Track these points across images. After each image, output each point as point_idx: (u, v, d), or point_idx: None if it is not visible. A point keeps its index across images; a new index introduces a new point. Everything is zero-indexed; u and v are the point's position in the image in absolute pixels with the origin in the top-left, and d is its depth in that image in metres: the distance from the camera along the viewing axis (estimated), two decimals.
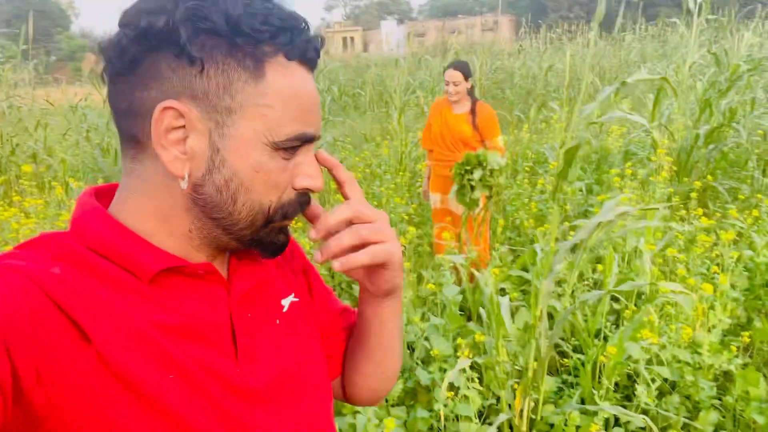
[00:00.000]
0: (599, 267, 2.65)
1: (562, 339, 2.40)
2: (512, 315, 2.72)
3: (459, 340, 2.10)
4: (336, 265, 0.63)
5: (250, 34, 0.55)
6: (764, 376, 2.39)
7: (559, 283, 2.47)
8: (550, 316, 2.53)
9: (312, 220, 0.67)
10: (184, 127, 0.56)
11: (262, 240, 0.62)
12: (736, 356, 2.34)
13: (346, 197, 0.68)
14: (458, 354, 2.08)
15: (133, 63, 0.55)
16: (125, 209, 0.60)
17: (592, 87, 7.04)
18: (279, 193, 0.60)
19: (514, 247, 3.73)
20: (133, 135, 0.58)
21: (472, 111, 3.47)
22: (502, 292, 2.86)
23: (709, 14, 5.14)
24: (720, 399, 2.27)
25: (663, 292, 2.04)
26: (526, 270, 2.88)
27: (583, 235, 1.80)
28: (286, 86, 0.57)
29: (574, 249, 1.92)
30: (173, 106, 0.55)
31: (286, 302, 0.71)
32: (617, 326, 2.61)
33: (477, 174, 2.44)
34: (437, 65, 10.16)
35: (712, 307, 2.39)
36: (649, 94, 4.76)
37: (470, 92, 3.52)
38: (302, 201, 0.63)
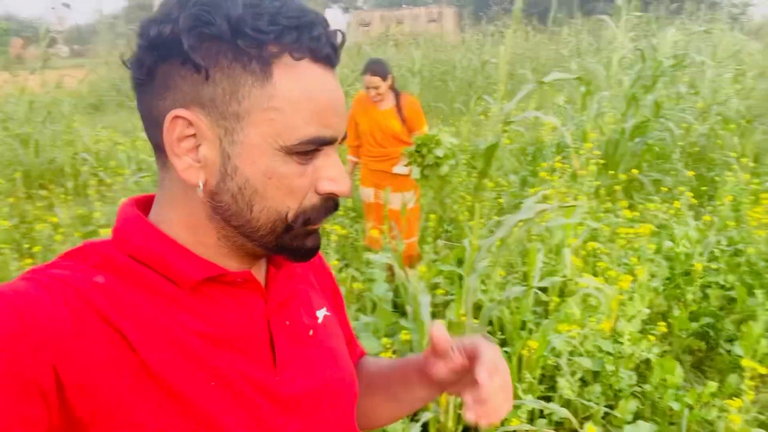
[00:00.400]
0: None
1: (491, 333, 2.42)
2: (444, 310, 2.72)
3: (384, 340, 2.07)
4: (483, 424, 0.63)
5: (253, 36, 0.53)
6: (681, 363, 2.49)
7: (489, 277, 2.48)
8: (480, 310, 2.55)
9: (439, 353, 0.67)
10: (195, 136, 0.56)
11: (287, 245, 0.61)
12: (655, 345, 2.42)
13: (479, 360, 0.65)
14: (383, 353, 2.05)
15: (149, 73, 0.56)
16: (161, 219, 0.61)
17: (525, 80, 7.17)
18: (299, 199, 0.58)
19: (450, 242, 3.75)
20: (157, 144, 0.59)
21: (398, 105, 3.46)
22: (435, 286, 2.86)
23: (636, 11, 5.31)
24: (640, 387, 2.34)
25: (582, 286, 2.07)
26: (461, 264, 2.89)
27: (503, 232, 1.80)
28: (296, 88, 0.55)
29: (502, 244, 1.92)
30: (182, 115, 0.55)
31: (320, 314, 0.72)
32: (546, 319, 2.66)
33: (440, 151, 2.46)
34: (378, 56, 10.11)
35: (631, 298, 2.46)
36: (581, 87, 4.88)
37: (393, 86, 3.49)
38: (328, 206, 0.61)
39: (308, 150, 0.56)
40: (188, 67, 0.54)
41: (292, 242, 0.60)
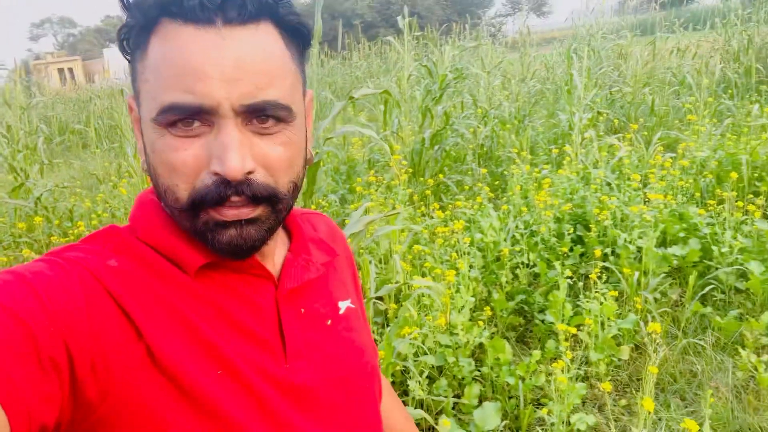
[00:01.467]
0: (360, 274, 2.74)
1: None
2: None
3: None
4: None
5: (134, 10, 0.53)
6: (507, 340, 2.75)
7: None
8: None
9: None
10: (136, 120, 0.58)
11: (202, 236, 0.56)
12: (484, 329, 2.63)
13: None
14: None
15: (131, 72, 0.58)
16: None
17: (329, 103, 7.43)
18: (187, 178, 0.53)
19: None
20: None
21: None
22: None
23: (417, 31, 5.82)
24: (479, 371, 2.52)
25: (415, 288, 2.17)
26: None
27: None
28: (159, 54, 0.52)
29: None
30: (128, 100, 0.59)
31: (343, 305, 0.70)
32: (387, 326, 2.74)
33: None
34: None
35: (458, 291, 2.65)
36: (380, 105, 5.19)
37: None
38: (219, 189, 0.53)
39: (175, 120, 0.51)
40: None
41: (204, 232, 0.56)
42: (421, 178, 4.69)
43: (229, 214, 0.55)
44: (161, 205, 0.60)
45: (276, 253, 0.67)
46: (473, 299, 2.65)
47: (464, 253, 2.93)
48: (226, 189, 0.53)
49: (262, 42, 0.54)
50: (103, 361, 0.51)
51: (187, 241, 0.58)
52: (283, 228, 0.71)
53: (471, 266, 3.07)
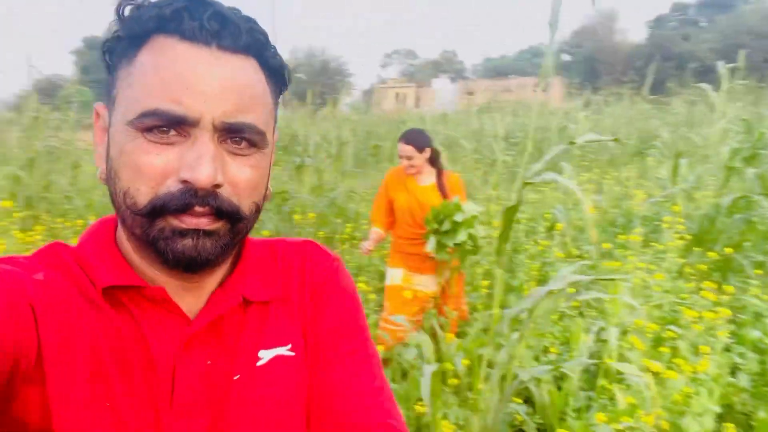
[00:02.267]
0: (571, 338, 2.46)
1: (529, 414, 2.21)
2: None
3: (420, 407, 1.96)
4: None
5: (129, 24, 0.56)
6: None
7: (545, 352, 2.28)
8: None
9: None
10: (105, 128, 0.59)
11: (156, 245, 0.55)
12: None
13: None
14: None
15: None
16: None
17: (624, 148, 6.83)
18: (151, 183, 0.54)
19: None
20: None
21: (439, 181, 3.06)
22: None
23: (741, 79, 4.95)
24: None
25: (619, 372, 1.84)
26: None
27: (530, 302, 1.67)
28: (149, 62, 0.54)
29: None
30: (96, 108, 0.60)
31: (267, 354, 0.63)
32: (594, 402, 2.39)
33: (459, 216, 2.34)
34: (481, 121, 10.17)
35: (698, 392, 2.15)
36: (675, 158, 4.55)
37: (433, 161, 3.10)
38: (183, 197, 0.54)
39: (153, 126, 0.53)
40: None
41: (159, 240, 0.55)
42: (703, 249, 3.95)
43: (190, 222, 0.55)
44: (113, 224, 0.62)
45: (208, 286, 0.63)
46: (717, 408, 2.12)
47: (723, 350, 2.36)
48: (192, 198, 0.54)
49: (248, 71, 0.57)
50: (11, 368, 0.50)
51: (105, 262, 0.58)
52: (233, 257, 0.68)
53: (734, 368, 2.45)
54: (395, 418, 0.64)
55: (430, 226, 2.66)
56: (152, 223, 0.55)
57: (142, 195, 0.54)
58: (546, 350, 2.46)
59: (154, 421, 0.56)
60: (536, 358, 2.29)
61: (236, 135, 0.56)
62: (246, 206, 0.58)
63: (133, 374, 0.56)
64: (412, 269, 3.09)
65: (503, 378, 1.75)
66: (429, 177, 3.10)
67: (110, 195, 0.57)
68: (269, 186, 0.65)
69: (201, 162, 0.53)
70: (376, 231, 3.20)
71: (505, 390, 1.77)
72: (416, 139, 3.01)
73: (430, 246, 2.55)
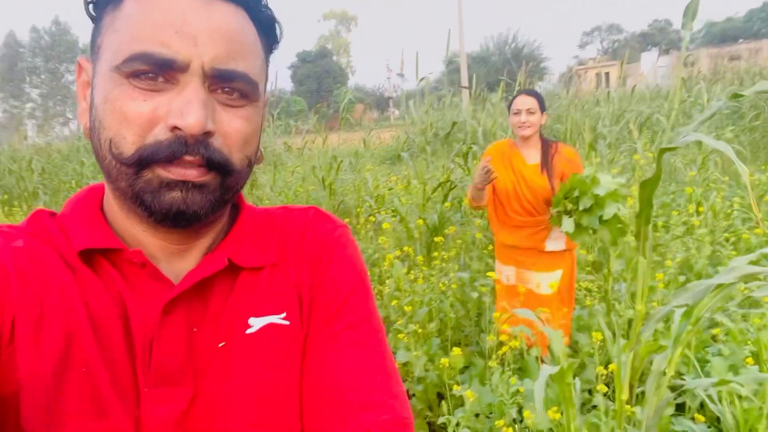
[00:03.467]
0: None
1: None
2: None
3: None
4: None
5: None
6: None
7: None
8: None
9: None
10: (88, 81, 0.57)
11: (142, 197, 0.53)
12: None
13: None
14: None
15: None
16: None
17: None
18: (138, 131, 0.51)
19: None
20: None
21: (545, 157, 2.59)
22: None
23: None
24: None
25: None
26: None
27: (688, 299, 1.35)
28: (138, 7, 0.52)
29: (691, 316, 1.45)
30: (79, 61, 0.58)
31: (258, 322, 0.59)
32: None
33: (600, 189, 1.96)
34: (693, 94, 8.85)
35: None
36: None
37: (542, 132, 2.69)
38: (172, 143, 0.51)
39: (141, 70, 0.51)
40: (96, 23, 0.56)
41: (145, 193, 0.52)
42: None
43: (178, 173, 0.52)
44: (100, 190, 0.60)
45: (197, 250, 0.61)
46: None
47: None
48: (181, 146, 0.51)
49: (240, 20, 0.55)
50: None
51: (83, 225, 0.56)
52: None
53: None
54: (397, 398, 0.58)
55: (562, 206, 2.28)
56: (138, 174, 0.52)
57: (128, 143, 0.52)
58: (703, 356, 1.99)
59: (132, 388, 0.53)
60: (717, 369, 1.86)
61: (227, 84, 0.53)
62: (237, 159, 0.55)
63: (111, 340, 0.53)
64: (523, 266, 2.66)
65: (657, 387, 1.45)
66: (536, 153, 2.63)
67: (94, 149, 0.55)
68: (260, 149, 0.61)
69: (191, 107, 0.51)
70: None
71: (659, 402, 1.46)
72: (540, 97, 2.60)
73: (567, 226, 2.17)
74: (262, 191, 6.37)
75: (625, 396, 1.45)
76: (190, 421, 0.55)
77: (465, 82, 14.60)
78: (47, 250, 0.55)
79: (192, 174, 0.52)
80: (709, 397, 1.73)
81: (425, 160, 8.43)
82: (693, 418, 1.81)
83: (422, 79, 6.59)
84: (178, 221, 0.54)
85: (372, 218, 5.42)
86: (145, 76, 0.51)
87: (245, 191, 6.50)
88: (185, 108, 0.51)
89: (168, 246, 0.58)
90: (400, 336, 2.56)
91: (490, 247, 3.86)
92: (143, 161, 0.51)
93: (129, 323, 0.54)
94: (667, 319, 2.16)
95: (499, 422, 1.68)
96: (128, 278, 0.56)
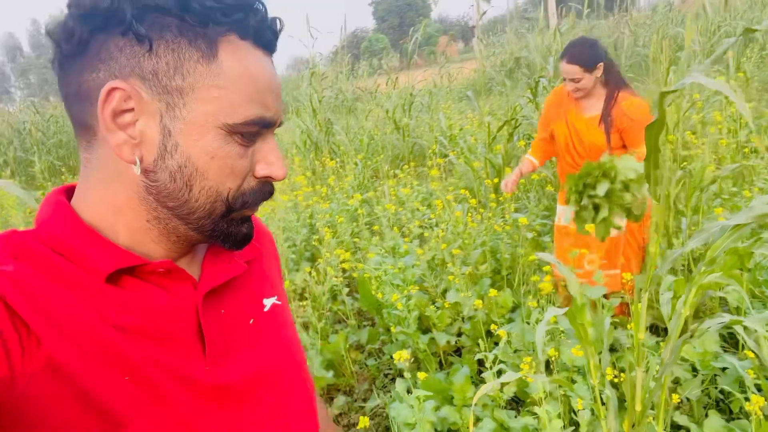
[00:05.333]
0: None
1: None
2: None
3: None
4: None
5: (200, 12, 0.53)
6: None
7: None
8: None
9: None
10: (133, 110, 0.54)
11: (222, 231, 0.60)
12: None
13: None
14: None
15: (80, 45, 0.53)
16: (85, 204, 0.59)
17: None
18: (238, 181, 0.58)
19: None
20: (84, 121, 0.56)
21: (605, 111, 2.38)
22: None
23: None
24: None
25: None
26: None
27: (700, 240, 1.34)
28: (240, 67, 0.55)
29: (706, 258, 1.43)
30: (120, 87, 0.53)
31: (268, 302, 0.70)
32: None
33: (602, 189, 1.84)
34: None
35: None
36: None
37: (609, 78, 2.41)
38: (264, 190, 0.62)
39: (251, 131, 0.57)
40: (129, 37, 0.52)
41: (228, 227, 0.61)
42: None
43: (255, 210, 0.63)
44: (70, 206, 0.59)
45: (198, 249, 0.68)
46: None
47: None
48: (267, 196, 0.62)
49: None
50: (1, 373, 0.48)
51: (96, 246, 0.56)
52: None
53: None
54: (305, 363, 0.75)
55: (575, 196, 2.16)
56: (226, 215, 0.60)
57: (232, 192, 0.58)
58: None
59: (189, 376, 0.58)
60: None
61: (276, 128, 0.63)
62: None
63: (151, 343, 0.56)
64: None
65: (677, 327, 1.46)
66: (598, 103, 2.44)
67: (167, 189, 0.56)
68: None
69: (279, 159, 0.60)
70: (528, 161, 2.72)
71: (675, 341, 1.47)
72: (583, 54, 2.36)
73: (567, 216, 2.05)
74: (338, 137, 6.53)
75: (641, 335, 1.48)
76: (244, 385, 0.63)
77: (552, 7, 13.65)
78: (39, 274, 0.53)
79: (257, 209, 0.63)
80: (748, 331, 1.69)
81: (503, 94, 8.09)
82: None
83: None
84: (244, 245, 0.64)
85: (440, 160, 5.41)
86: (250, 134, 0.58)
87: (325, 139, 6.70)
88: (276, 160, 0.60)
89: (179, 252, 0.64)
90: (450, 278, 2.66)
91: (549, 188, 3.80)
92: (238, 205, 0.60)
93: (172, 321, 0.59)
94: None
95: (527, 359, 1.76)
96: (156, 285, 0.59)
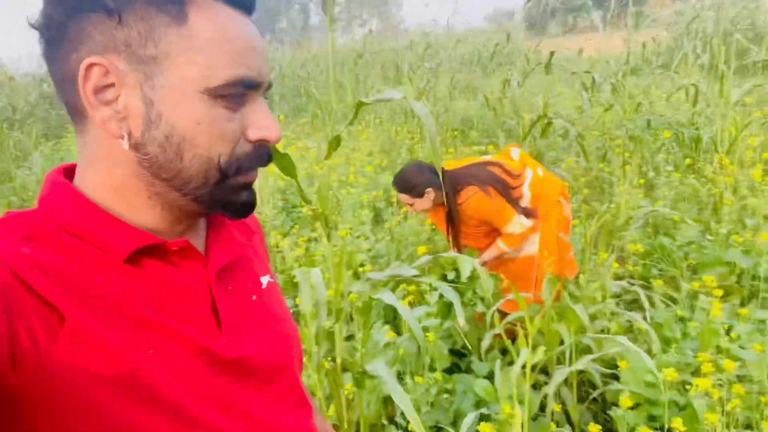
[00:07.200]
0: None
1: None
2: None
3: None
4: None
5: None
6: None
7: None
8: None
9: None
10: (114, 84, 0.54)
11: (221, 199, 0.60)
12: None
13: None
14: None
15: (60, 29, 0.54)
16: (86, 185, 0.59)
17: None
18: (230, 146, 0.57)
19: None
20: (75, 105, 0.56)
21: (449, 218, 2.50)
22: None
23: None
24: None
25: None
26: None
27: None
28: (213, 28, 0.54)
29: None
30: (97, 62, 0.53)
31: (264, 280, 0.72)
32: None
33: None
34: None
35: None
36: None
37: (445, 191, 2.37)
38: (260, 154, 0.60)
39: (235, 93, 0.55)
40: (99, 13, 0.52)
41: (226, 195, 0.59)
42: None
43: (251, 176, 0.61)
44: (73, 187, 0.59)
45: (199, 227, 0.67)
46: None
47: None
48: (263, 159, 0.60)
49: None
50: (22, 353, 0.48)
51: (112, 226, 0.57)
52: None
53: None
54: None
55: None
56: (223, 181, 0.58)
57: (224, 157, 0.57)
58: None
59: (209, 349, 0.59)
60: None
61: (266, 92, 0.61)
62: None
63: (172, 318, 0.57)
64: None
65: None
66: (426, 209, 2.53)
67: (159, 161, 0.56)
68: None
69: (271, 121, 0.58)
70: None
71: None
72: (407, 184, 2.42)
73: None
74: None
75: None
76: (258, 359, 0.65)
77: None
78: (56, 255, 0.54)
79: (255, 175, 0.62)
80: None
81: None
82: None
83: None
84: (247, 213, 0.62)
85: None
86: (235, 96, 0.56)
87: None
88: (267, 122, 0.58)
89: (184, 226, 0.63)
90: None
91: None
92: (232, 171, 0.58)
93: (189, 296, 0.60)
94: None
95: None
96: (171, 262, 0.60)
